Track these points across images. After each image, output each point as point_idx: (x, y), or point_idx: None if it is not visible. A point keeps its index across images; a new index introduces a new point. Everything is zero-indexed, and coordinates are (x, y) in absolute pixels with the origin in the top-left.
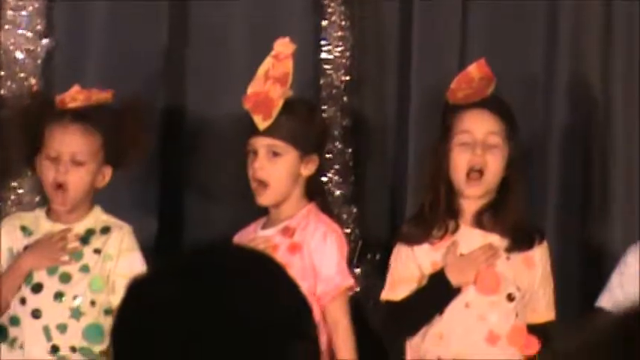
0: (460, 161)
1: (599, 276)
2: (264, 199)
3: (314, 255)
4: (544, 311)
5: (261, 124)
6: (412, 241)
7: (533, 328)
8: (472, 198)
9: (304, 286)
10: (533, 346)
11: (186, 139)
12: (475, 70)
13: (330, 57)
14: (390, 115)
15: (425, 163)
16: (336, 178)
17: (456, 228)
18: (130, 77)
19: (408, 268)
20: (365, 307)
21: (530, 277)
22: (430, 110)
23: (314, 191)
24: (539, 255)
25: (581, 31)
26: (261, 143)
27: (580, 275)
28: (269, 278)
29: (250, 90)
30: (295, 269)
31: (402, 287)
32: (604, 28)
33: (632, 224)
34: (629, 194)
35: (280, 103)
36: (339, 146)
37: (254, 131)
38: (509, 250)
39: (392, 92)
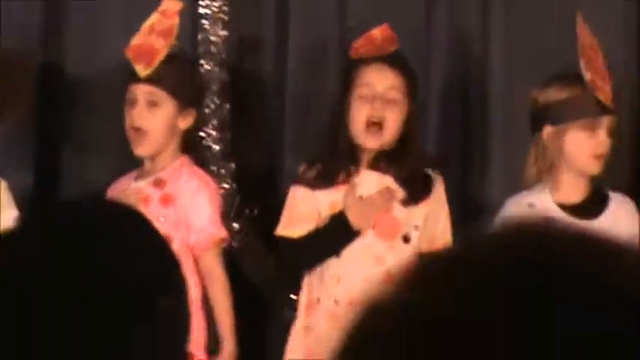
0: (359, 113)
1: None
2: (141, 149)
3: (187, 207)
4: (440, 236)
5: (143, 71)
6: (311, 184)
7: None
8: (371, 150)
9: (177, 238)
10: None
11: (64, 95)
12: (379, 32)
13: (208, 12)
14: (268, 70)
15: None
16: (213, 133)
17: (356, 171)
18: (8, 32)
19: (307, 207)
20: (242, 261)
21: (424, 209)
22: (307, 65)
23: (189, 145)
24: (434, 194)
25: None
26: (141, 90)
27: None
28: (136, 233)
29: (133, 42)
30: (168, 221)
31: (300, 225)
32: None
33: (511, 181)
34: (508, 150)
35: (163, 54)
36: (217, 101)
37: (134, 79)
38: (406, 202)
39: (270, 47)
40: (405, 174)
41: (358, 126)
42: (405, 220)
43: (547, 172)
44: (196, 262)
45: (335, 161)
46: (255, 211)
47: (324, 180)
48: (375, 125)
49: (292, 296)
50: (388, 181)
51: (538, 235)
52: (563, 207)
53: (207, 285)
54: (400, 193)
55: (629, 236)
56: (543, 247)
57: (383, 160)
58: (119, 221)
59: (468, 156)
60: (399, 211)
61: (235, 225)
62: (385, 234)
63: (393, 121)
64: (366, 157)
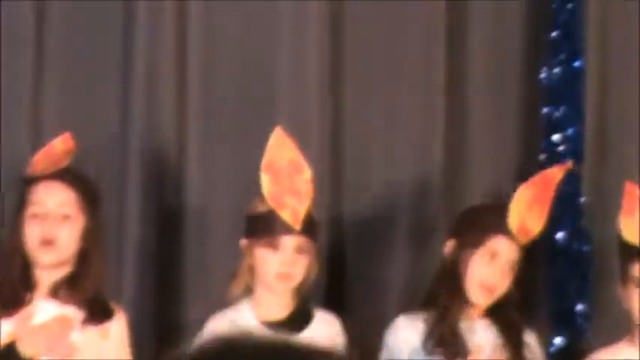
0: (32, 232)
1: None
2: None
3: None
4: None
5: None
6: None
7: None
8: (46, 267)
9: None
10: None
11: None
12: (59, 143)
13: None
14: None
15: (5, 236)
16: None
17: (31, 299)
18: None
19: None
20: None
21: (105, 348)
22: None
23: None
24: (115, 327)
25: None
26: None
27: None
28: None
29: None
30: None
31: None
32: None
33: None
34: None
35: None
36: None
37: None
38: (85, 322)
39: None
40: (86, 296)
41: (31, 245)
42: (82, 350)
43: (250, 287)
44: None
45: (10, 286)
46: None
47: (1, 309)
48: (48, 243)
49: None
50: (67, 310)
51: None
52: (265, 324)
53: None
54: (79, 318)
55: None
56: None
57: (62, 288)
58: None
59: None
60: (77, 339)
61: None
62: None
63: (67, 238)
64: (44, 285)
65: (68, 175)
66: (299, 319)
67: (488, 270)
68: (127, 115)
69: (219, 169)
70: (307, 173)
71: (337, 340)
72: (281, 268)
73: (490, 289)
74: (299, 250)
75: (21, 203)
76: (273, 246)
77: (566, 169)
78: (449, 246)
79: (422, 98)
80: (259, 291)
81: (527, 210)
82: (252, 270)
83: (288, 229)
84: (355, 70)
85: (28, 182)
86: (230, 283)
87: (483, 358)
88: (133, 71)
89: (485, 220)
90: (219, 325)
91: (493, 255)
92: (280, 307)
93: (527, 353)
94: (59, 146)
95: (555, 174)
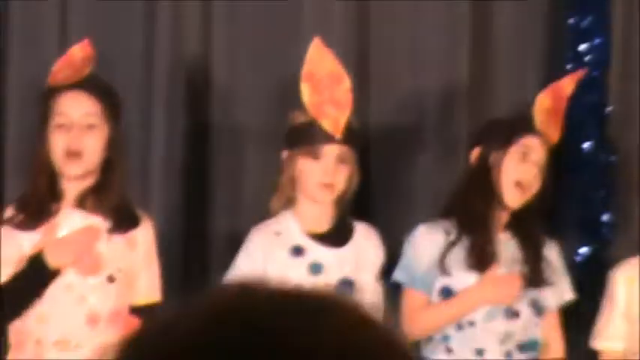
0: (57, 143)
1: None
2: None
3: None
4: (147, 292)
5: None
6: (16, 225)
7: (138, 310)
8: (72, 179)
9: None
10: (134, 328)
11: None
12: (78, 50)
13: None
14: None
15: (28, 147)
16: None
17: (58, 210)
18: None
19: (9, 250)
20: None
21: (132, 257)
22: (30, 92)
23: None
24: (142, 235)
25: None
26: None
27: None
28: None
29: None
30: None
31: (4, 269)
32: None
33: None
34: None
35: None
36: None
37: None
38: (111, 231)
39: None
40: (111, 205)
41: (57, 156)
42: (109, 259)
43: (294, 199)
44: None
45: (37, 199)
46: None
47: (28, 220)
48: (74, 154)
49: None
50: (93, 220)
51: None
52: (309, 235)
53: None
54: (105, 227)
55: (373, 263)
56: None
57: (88, 198)
58: None
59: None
60: (103, 248)
61: None
62: (86, 270)
63: (93, 148)
64: (70, 195)
65: (91, 84)
66: (341, 231)
67: (522, 168)
68: (153, 29)
69: (245, 81)
70: (347, 83)
71: (377, 252)
72: (323, 177)
73: (524, 187)
74: (340, 160)
75: (45, 114)
76: (315, 155)
77: (577, 77)
78: (475, 153)
79: (447, 4)
80: (302, 202)
81: (547, 116)
82: (293, 182)
83: (329, 138)
84: None
85: (51, 93)
86: (271, 195)
87: (502, 272)
88: None
89: (512, 122)
90: (264, 236)
91: (524, 153)
92: (323, 218)
93: (545, 267)
94: (78, 53)
95: (567, 83)
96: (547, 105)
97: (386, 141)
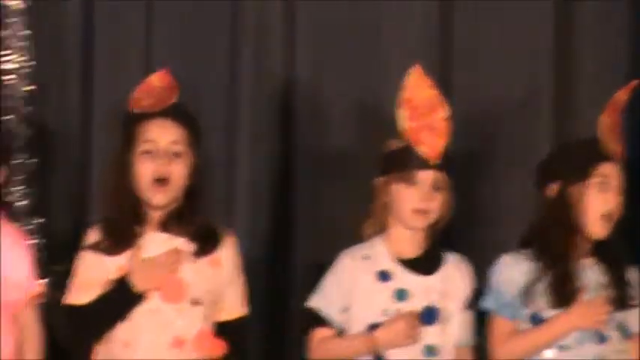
0: (145, 170)
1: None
2: None
3: (3, 263)
4: (234, 308)
5: None
6: (102, 250)
7: (225, 326)
8: (158, 208)
9: None
10: (220, 348)
11: None
12: (156, 79)
13: (12, 67)
14: (74, 124)
15: (109, 173)
16: (19, 188)
17: (142, 233)
18: None
19: (94, 273)
20: (51, 317)
21: (218, 277)
22: (115, 118)
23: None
24: (226, 254)
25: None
26: None
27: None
28: None
29: None
30: None
31: (87, 292)
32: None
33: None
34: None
35: None
36: (22, 157)
37: None
38: (197, 255)
39: (75, 101)
40: (195, 228)
41: (144, 183)
42: (194, 283)
43: (387, 224)
44: (13, 317)
45: (121, 223)
46: (63, 267)
47: (113, 244)
48: (161, 182)
49: None
50: (178, 242)
51: None
52: (398, 261)
53: (22, 339)
54: (190, 250)
55: (462, 297)
56: None
57: (172, 221)
58: None
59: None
60: (188, 273)
61: (43, 280)
62: (171, 296)
63: (179, 175)
64: (154, 219)
65: (177, 112)
66: (431, 259)
67: (605, 198)
68: (238, 55)
69: (328, 105)
70: (444, 111)
71: (465, 283)
72: (418, 203)
73: (609, 217)
74: (435, 186)
75: (129, 140)
76: (410, 181)
77: (629, 90)
78: (553, 189)
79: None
80: (394, 228)
81: (609, 136)
82: (386, 208)
83: (425, 164)
84: None
85: (135, 119)
86: (356, 220)
87: (588, 299)
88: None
89: (586, 151)
90: (352, 260)
91: (604, 183)
92: (414, 244)
93: (631, 290)
94: (157, 82)
95: (621, 97)
96: (606, 124)
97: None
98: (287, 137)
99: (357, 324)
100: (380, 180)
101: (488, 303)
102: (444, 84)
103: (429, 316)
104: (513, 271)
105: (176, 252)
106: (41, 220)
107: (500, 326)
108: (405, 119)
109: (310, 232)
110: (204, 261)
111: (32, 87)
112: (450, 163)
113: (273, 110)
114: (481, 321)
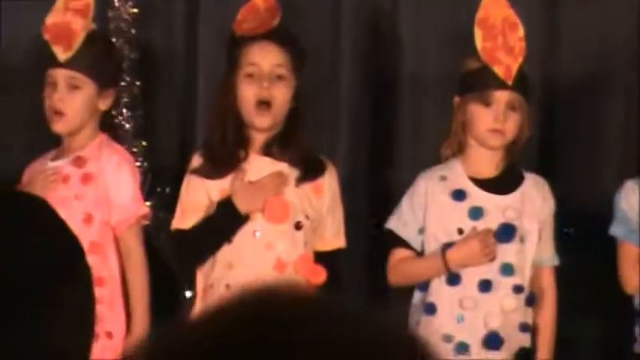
0: (247, 93)
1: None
2: (59, 125)
3: (108, 184)
4: (333, 238)
5: (62, 55)
6: (203, 174)
7: (322, 255)
8: (261, 130)
9: (98, 216)
10: (320, 274)
11: None
12: (261, 1)
13: None
14: (179, 47)
15: (214, 96)
16: (124, 111)
17: (245, 157)
18: None
19: (198, 197)
20: (155, 240)
21: (319, 204)
22: (219, 41)
23: (107, 124)
24: (328, 183)
25: None
26: (61, 74)
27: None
28: (39, 222)
29: (49, 20)
30: (89, 199)
31: (192, 215)
32: None
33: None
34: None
35: (81, 35)
36: (128, 79)
37: (53, 63)
38: (299, 180)
39: (180, 23)
40: (298, 154)
41: (247, 106)
42: (296, 206)
43: (465, 144)
44: (118, 239)
45: (225, 147)
46: (167, 189)
47: (216, 168)
48: (264, 104)
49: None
50: (281, 166)
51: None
52: (475, 181)
53: (124, 262)
54: (293, 175)
55: (541, 216)
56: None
57: (275, 145)
58: (20, 210)
59: (376, 131)
60: (291, 196)
61: (147, 203)
62: (275, 217)
63: (282, 99)
64: (257, 142)
65: (280, 35)
66: (509, 178)
67: None
68: None
69: (431, 34)
70: (521, 31)
71: (545, 203)
72: (493, 123)
73: None
74: (511, 106)
75: (232, 63)
76: (486, 101)
77: None
78: None
79: None
80: (471, 148)
81: None
82: (464, 127)
83: (500, 84)
84: None
85: (239, 42)
86: (443, 142)
87: None
88: None
89: None
90: (430, 180)
91: None
92: (491, 164)
93: None
94: (261, 4)
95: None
96: None
97: (575, 90)
98: (388, 63)
99: (432, 244)
100: (457, 100)
101: (616, 230)
102: None
103: (505, 233)
104: (636, 196)
105: (280, 174)
106: (145, 143)
107: (628, 252)
108: (480, 39)
109: (410, 157)
110: (308, 187)
111: (137, 9)
112: (526, 84)
113: (374, 35)
114: (564, 243)
